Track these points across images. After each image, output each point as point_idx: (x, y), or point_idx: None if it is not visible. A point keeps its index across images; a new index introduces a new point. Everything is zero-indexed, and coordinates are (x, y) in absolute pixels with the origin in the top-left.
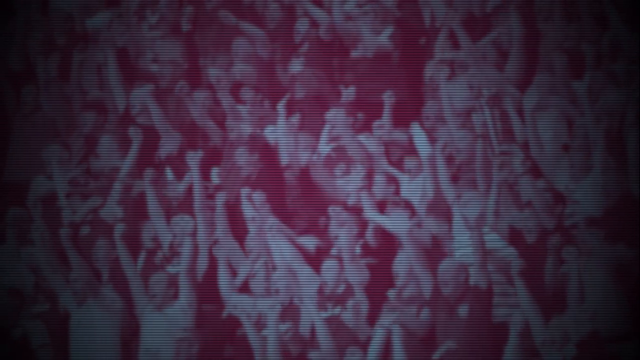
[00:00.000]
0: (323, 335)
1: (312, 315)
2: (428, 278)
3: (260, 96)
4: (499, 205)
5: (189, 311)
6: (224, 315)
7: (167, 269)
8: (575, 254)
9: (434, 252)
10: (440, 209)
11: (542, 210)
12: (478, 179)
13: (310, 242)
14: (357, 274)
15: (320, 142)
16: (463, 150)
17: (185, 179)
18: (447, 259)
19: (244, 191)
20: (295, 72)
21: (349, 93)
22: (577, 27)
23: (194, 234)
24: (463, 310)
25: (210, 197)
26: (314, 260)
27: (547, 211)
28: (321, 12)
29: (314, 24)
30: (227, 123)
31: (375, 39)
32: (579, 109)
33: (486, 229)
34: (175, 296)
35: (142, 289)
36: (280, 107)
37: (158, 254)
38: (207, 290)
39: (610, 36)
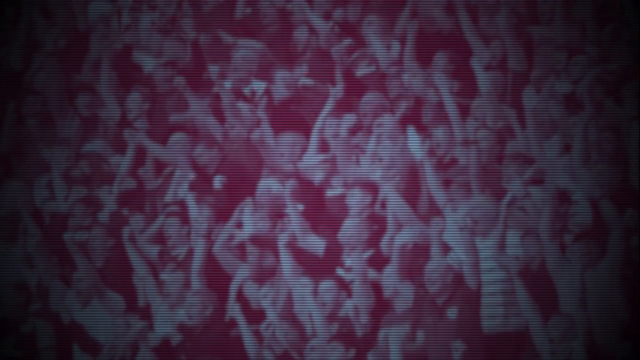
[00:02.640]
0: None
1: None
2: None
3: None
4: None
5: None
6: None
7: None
8: (579, 254)
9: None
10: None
11: (546, 212)
12: (472, 181)
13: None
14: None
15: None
16: (456, 152)
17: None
18: (434, 260)
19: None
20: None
21: (336, 91)
22: (578, 27)
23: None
24: (452, 313)
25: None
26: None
27: (552, 212)
28: (320, 19)
29: (313, 32)
30: (228, 123)
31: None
32: (580, 109)
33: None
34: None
35: (155, 289)
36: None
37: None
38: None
39: (611, 34)
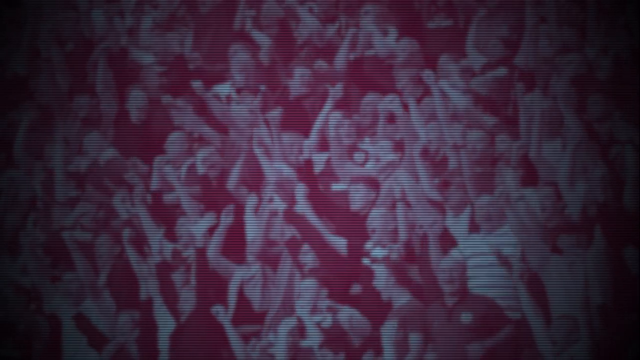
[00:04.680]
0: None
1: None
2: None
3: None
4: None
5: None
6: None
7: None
8: (582, 254)
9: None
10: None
11: (544, 210)
12: (467, 181)
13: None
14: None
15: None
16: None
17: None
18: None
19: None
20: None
21: (336, 91)
22: (578, 29)
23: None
24: (466, 317)
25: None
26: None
27: (550, 210)
28: (312, 18)
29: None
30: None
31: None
32: (578, 109)
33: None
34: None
35: (156, 289)
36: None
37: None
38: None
39: (612, 38)
